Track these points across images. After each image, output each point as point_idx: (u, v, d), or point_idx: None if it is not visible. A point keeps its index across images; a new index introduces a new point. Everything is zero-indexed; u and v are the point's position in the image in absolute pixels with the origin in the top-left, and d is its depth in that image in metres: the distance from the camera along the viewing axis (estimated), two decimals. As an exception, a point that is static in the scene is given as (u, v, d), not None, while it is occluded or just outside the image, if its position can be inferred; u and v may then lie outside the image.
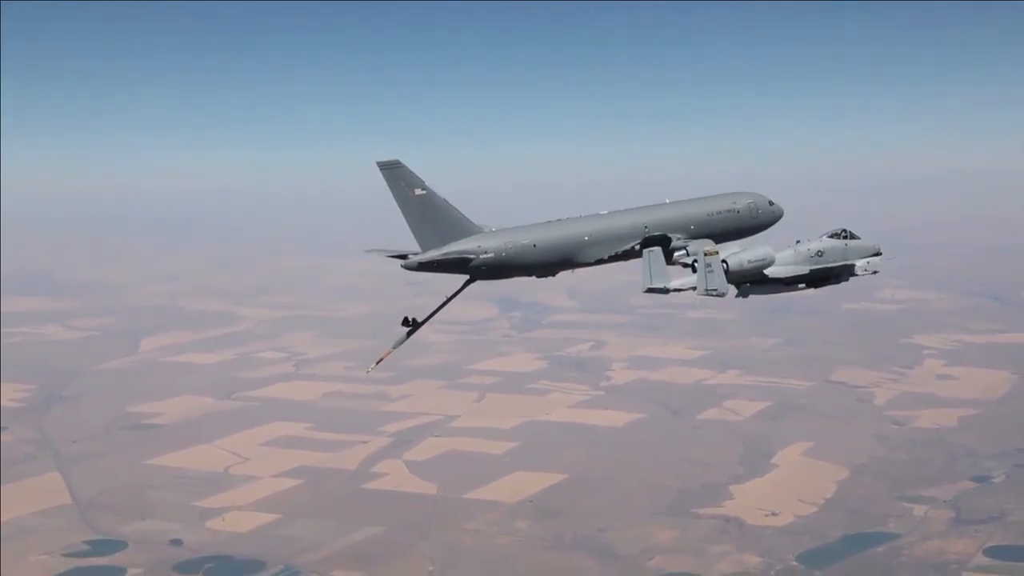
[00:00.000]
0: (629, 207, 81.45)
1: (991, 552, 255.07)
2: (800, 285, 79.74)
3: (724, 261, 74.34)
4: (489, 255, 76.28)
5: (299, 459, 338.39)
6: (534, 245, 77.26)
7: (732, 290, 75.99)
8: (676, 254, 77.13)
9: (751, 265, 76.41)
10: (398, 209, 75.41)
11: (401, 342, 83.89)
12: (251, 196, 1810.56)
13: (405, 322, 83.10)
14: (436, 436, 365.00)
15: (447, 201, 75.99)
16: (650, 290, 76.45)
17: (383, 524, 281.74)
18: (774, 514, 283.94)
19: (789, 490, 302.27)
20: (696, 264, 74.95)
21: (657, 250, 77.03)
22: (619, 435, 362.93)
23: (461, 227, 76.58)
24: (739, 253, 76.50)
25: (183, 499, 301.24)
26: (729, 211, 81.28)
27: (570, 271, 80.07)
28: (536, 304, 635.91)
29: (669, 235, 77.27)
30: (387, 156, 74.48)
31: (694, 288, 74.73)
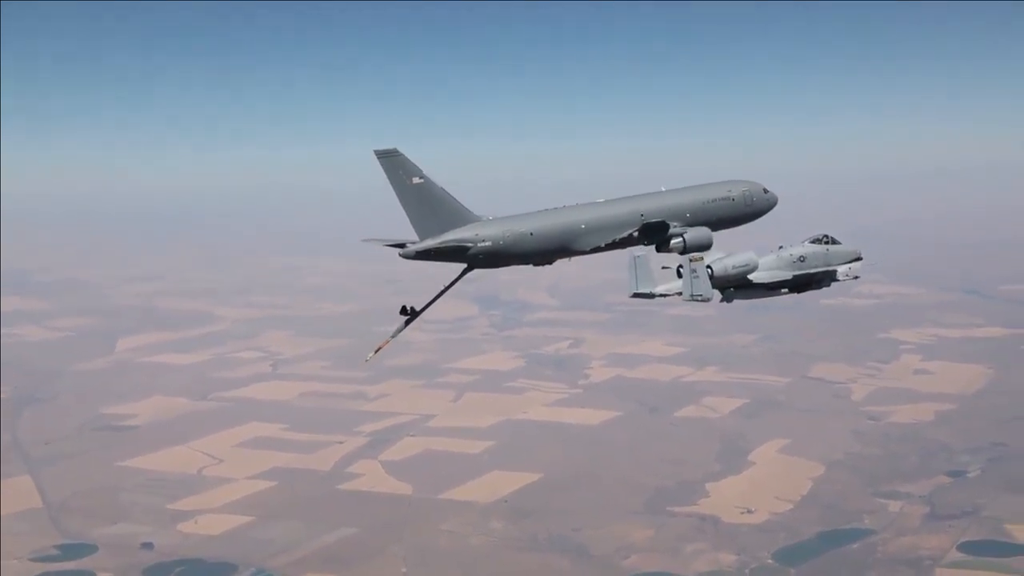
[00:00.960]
0: (625, 195, 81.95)
1: (965, 547, 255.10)
2: (783, 290, 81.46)
3: (709, 267, 76.19)
4: (487, 243, 76.61)
5: (274, 460, 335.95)
6: (531, 233, 77.66)
7: (717, 295, 78.13)
8: (673, 241, 77.52)
9: (735, 271, 79.01)
10: (395, 198, 75.75)
11: (400, 331, 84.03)
12: (236, 195, 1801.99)
13: (403, 311, 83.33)
14: (412, 436, 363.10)
15: (444, 190, 76.25)
16: (636, 295, 79.92)
17: (357, 525, 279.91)
18: (750, 511, 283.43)
19: (765, 487, 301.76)
20: (681, 269, 77.09)
21: (643, 255, 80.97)
22: (596, 433, 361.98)
23: (459, 215, 76.83)
24: (723, 259, 78.61)
25: (155, 502, 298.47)
26: (724, 199, 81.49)
27: (567, 259, 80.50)
28: (516, 302, 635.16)
29: (667, 222, 77.41)
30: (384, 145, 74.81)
31: (679, 293, 77.32)
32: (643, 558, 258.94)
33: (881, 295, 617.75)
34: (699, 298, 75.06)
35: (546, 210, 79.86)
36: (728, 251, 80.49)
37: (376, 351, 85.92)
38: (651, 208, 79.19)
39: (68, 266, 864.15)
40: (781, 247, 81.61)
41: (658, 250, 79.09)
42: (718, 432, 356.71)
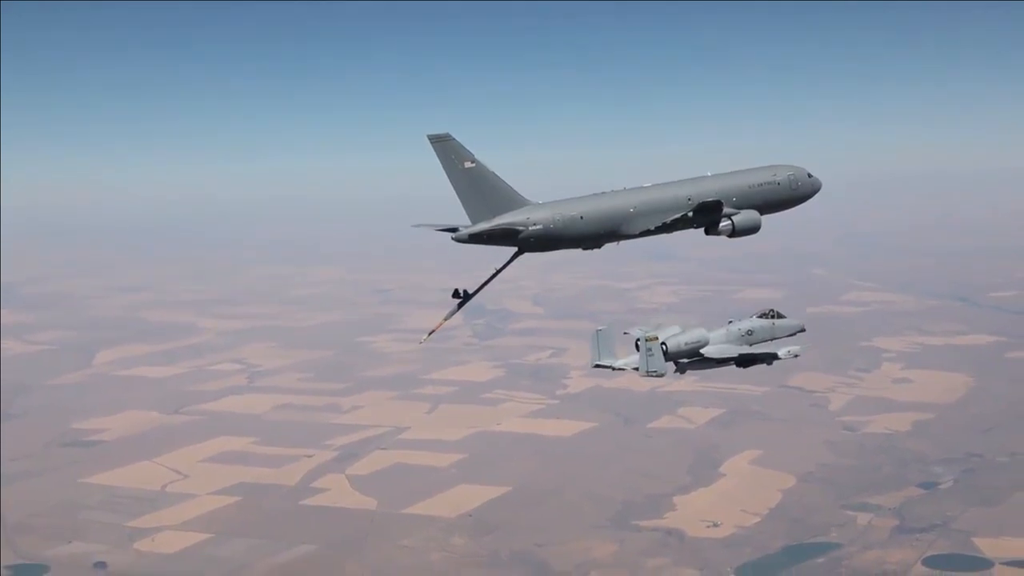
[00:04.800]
0: (672, 180, 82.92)
1: (930, 561, 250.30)
2: (731, 363, 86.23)
3: (664, 343, 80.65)
4: (538, 227, 77.76)
5: (239, 475, 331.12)
6: (581, 217, 78.81)
7: (671, 367, 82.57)
8: (722, 224, 79.07)
9: (687, 347, 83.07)
10: (448, 183, 76.95)
11: (452, 314, 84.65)
12: (226, 205, 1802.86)
13: (455, 294, 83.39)
14: (383, 449, 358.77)
15: (496, 174, 77.49)
16: (597, 366, 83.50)
17: (317, 542, 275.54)
18: (715, 525, 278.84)
19: (733, 500, 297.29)
20: (639, 345, 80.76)
21: (605, 329, 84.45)
22: (569, 445, 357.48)
23: (510, 199, 78.12)
24: (677, 336, 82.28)
25: (115, 519, 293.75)
26: (770, 183, 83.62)
27: (615, 242, 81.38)
28: (501, 311, 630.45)
29: (721, 202, 78.48)
30: (437, 130, 75.88)
31: (636, 369, 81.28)
32: (604, 574, 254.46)
33: (868, 302, 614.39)
34: (654, 374, 79.76)
35: (596, 194, 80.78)
36: (683, 327, 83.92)
37: (430, 334, 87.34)
38: (699, 192, 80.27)
39: (55, 279, 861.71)
40: (731, 321, 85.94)
41: (707, 233, 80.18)
42: (691, 443, 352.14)
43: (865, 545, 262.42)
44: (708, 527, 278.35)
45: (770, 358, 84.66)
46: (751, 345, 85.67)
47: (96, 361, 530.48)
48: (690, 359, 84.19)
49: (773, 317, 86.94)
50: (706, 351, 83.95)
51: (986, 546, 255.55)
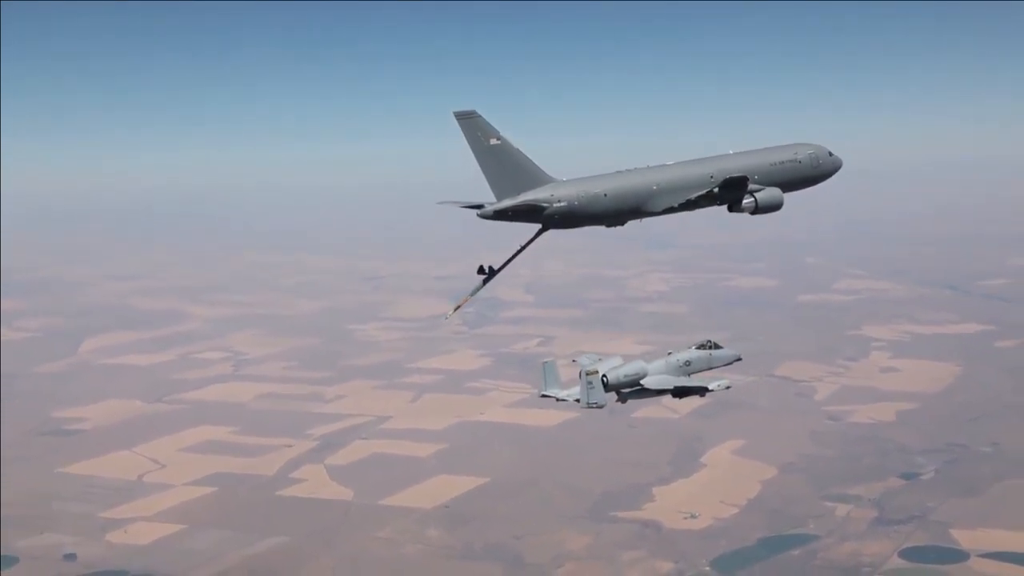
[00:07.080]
0: (694, 158, 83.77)
1: (906, 554, 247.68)
2: (668, 394, 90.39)
3: (604, 376, 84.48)
4: (562, 204, 78.51)
5: (217, 465, 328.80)
6: (605, 194, 79.65)
7: (613, 397, 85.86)
8: (745, 202, 79.48)
9: (627, 379, 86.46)
10: (473, 160, 77.08)
11: (477, 289, 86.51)
12: (222, 192, 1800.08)
13: (480, 270, 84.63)
14: (364, 439, 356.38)
15: (520, 151, 78.01)
16: (544, 396, 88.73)
17: (290, 533, 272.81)
18: (692, 517, 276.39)
19: (712, 491, 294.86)
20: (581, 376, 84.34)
21: (551, 361, 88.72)
22: (551, 435, 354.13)
23: (534, 176, 78.86)
24: (617, 368, 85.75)
25: (88, 510, 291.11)
26: (791, 161, 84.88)
27: (639, 219, 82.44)
28: (492, 299, 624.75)
29: (747, 178, 78.71)
30: (463, 107, 75.53)
31: (578, 400, 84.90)
32: (578, 566, 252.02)
33: (859, 291, 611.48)
34: (594, 405, 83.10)
35: (620, 172, 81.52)
36: (624, 360, 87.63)
37: (455, 309, 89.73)
38: (721, 169, 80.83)
39: (46, 266, 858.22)
40: (670, 353, 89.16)
41: (730, 210, 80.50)
42: (675, 433, 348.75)
43: (842, 537, 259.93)
44: (686, 519, 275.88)
45: (702, 390, 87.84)
46: (689, 375, 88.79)
47: (82, 349, 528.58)
48: (631, 389, 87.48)
49: (710, 348, 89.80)
50: (645, 382, 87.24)
51: (963, 538, 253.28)
